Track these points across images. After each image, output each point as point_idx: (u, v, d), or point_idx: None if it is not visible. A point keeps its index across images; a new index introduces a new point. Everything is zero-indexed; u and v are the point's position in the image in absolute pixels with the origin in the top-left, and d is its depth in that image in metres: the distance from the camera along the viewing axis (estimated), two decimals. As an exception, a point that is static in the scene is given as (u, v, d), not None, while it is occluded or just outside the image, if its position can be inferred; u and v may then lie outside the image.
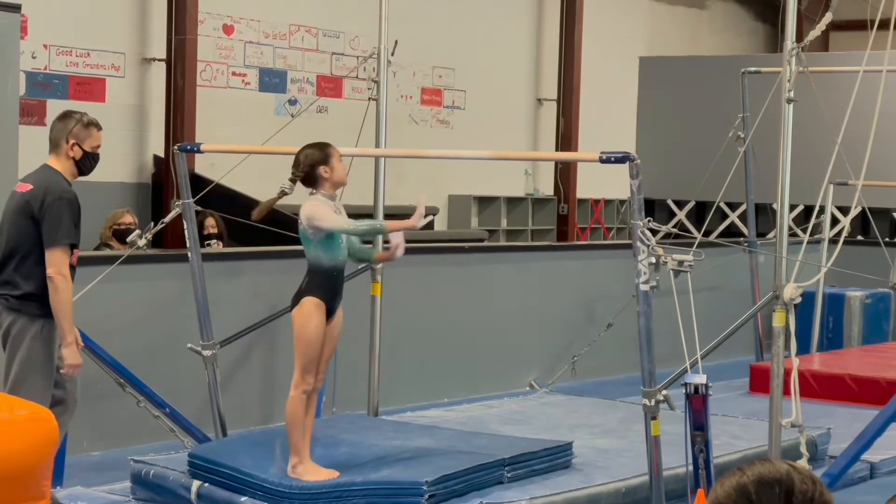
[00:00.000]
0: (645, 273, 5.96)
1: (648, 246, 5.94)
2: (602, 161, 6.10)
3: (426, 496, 5.89)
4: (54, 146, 6.23)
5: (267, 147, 8.33)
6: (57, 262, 5.98)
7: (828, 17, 6.85)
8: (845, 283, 11.86)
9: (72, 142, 6.18)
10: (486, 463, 6.26)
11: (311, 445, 6.29)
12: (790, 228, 7.00)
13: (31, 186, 6.14)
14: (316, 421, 7.60)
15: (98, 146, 6.28)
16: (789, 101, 6.51)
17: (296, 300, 6.26)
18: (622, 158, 6.00)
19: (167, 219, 7.51)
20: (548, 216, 16.85)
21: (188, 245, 7.55)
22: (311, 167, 6.24)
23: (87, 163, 6.26)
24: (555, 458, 6.65)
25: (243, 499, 6.18)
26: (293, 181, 6.29)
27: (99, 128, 6.31)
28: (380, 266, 8.27)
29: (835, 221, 12.27)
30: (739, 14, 20.73)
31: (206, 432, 7.51)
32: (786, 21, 6.63)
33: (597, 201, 17.86)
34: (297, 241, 8.89)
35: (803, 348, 9.38)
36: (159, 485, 6.51)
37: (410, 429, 7.17)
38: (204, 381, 7.70)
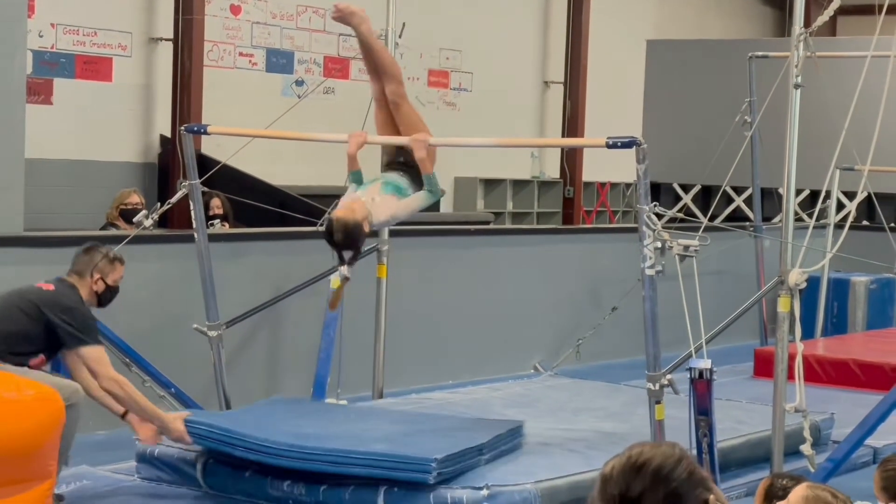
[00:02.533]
0: (650, 257, 5.96)
1: (654, 230, 5.94)
2: (608, 146, 6.08)
3: (434, 473, 5.73)
4: (77, 274, 6.29)
5: (274, 131, 8.31)
6: (102, 362, 6.05)
7: (836, 2, 6.82)
8: (850, 269, 11.85)
9: (97, 276, 6.28)
10: (469, 447, 6.10)
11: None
12: (796, 213, 6.99)
13: (53, 287, 6.18)
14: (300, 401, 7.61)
15: (120, 278, 6.36)
16: (797, 86, 6.50)
17: None
18: (629, 143, 5.99)
19: (173, 199, 7.51)
20: (554, 199, 16.83)
21: (194, 226, 7.56)
22: (353, 234, 6.11)
23: (107, 295, 6.36)
24: (512, 439, 6.52)
25: (247, 474, 6.18)
26: (350, 264, 6.20)
27: (122, 262, 6.39)
28: (386, 248, 8.30)
29: (840, 206, 12.27)
30: (747, -2, 20.68)
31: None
32: (794, 5, 6.61)
33: (603, 184, 17.85)
34: (302, 223, 8.94)
35: (808, 333, 9.37)
36: (165, 463, 6.53)
37: (378, 413, 7.11)
38: (209, 362, 7.72)
